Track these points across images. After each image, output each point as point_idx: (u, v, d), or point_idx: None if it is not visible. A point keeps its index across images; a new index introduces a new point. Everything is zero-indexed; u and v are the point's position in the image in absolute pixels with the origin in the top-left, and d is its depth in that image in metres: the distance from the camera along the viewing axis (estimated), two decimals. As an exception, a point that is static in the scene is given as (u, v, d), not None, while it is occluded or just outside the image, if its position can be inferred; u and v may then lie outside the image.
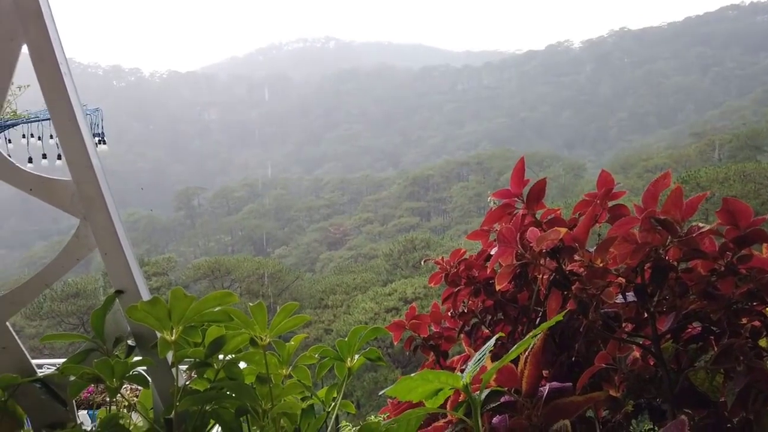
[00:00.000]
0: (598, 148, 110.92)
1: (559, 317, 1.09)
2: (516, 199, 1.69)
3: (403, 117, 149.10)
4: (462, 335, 1.92)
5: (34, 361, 1.50)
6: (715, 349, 1.38)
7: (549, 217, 1.65)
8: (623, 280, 1.46)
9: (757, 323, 1.37)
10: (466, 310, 1.91)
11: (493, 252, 1.60)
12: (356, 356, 1.31)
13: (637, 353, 1.54)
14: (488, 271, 1.69)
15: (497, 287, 1.49)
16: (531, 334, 1.10)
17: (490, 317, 1.85)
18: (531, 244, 1.42)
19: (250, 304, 1.09)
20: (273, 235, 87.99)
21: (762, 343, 1.40)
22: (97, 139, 9.55)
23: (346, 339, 1.28)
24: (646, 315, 1.45)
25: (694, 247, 1.36)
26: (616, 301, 1.45)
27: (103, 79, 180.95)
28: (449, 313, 1.96)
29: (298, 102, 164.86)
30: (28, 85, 8.65)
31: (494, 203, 1.77)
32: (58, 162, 9.12)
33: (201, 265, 44.61)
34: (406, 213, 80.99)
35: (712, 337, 1.44)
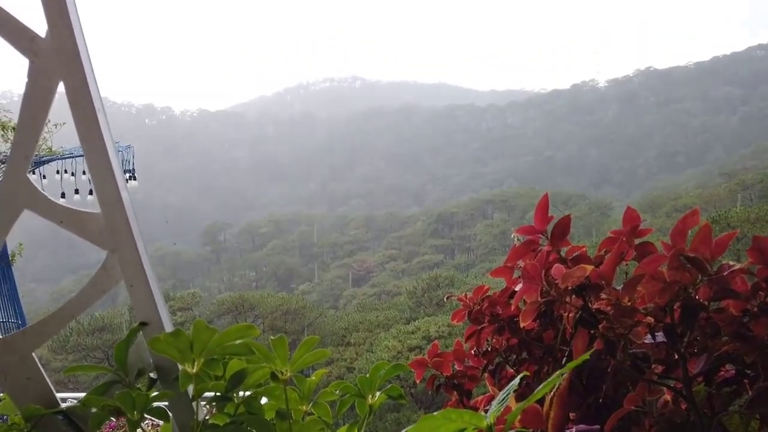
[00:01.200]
0: (625, 187, 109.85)
1: (586, 356, 1.07)
2: (540, 235, 1.67)
3: (427, 155, 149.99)
4: (486, 374, 1.89)
5: (59, 395, 1.51)
6: (750, 392, 1.33)
7: (574, 255, 1.63)
8: (652, 320, 1.42)
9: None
10: (489, 349, 1.87)
11: (517, 289, 1.58)
12: (377, 393, 1.29)
13: (668, 396, 1.50)
14: (512, 308, 1.66)
15: (522, 325, 1.47)
16: (557, 373, 1.08)
17: (514, 356, 1.81)
18: (556, 281, 1.40)
19: (272, 337, 1.09)
20: (297, 271, 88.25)
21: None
22: (128, 175, 9.79)
23: (368, 375, 1.26)
24: (676, 356, 1.41)
25: (725, 287, 1.32)
26: (645, 342, 1.41)
27: (136, 117, 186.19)
28: (473, 352, 1.93)
29: (324, 140, 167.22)
30: (63, 123, 8.95)
31: (518, 240, 1.75)
32: (90, 197, 9.34)
33: (225, 301, 44.81)
34: (430, 250, 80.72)
35: (747, 381, 1.40)
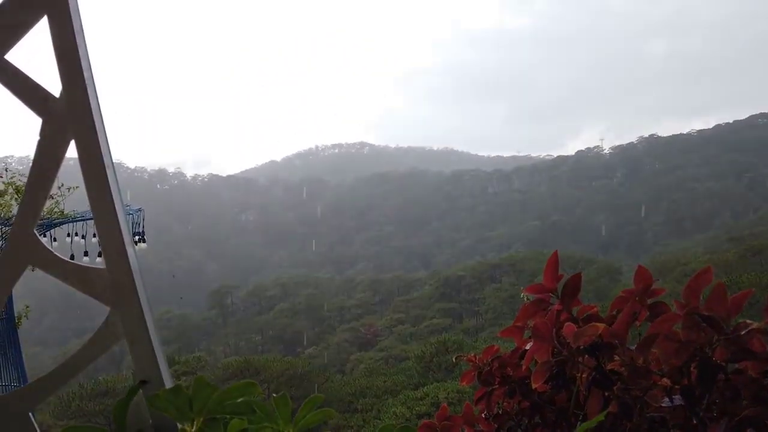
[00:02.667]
0: (633, 251, 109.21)
1: (601, 417, 1.03)
2: (550, 294, 1.64)
3: (434, 219, 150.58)
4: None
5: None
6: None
7: (586, 314, 1.60)
8: (668, 382, 1.37)
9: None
10: (501, 412, 1.81)
11: (527, 348, 1.54)
12: (384, 458, 1.23)
13: (688, 464, 1.43)
14: (523, 369, 1.61)
15: (533, 386, 1.42)
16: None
17: (526, 420, 1.75)
18: (568, 341, 1.37)
19: (275, 395, 1.05)
20: (303, 334, 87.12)
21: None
22: (137, 237, 9.84)
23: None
24: (695, 421, 1.35)
25: (743, 347, 1.28)
26: (662, 405, 1.36)
27: (148, 182, 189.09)
28: (483, 415, 1.87)
29: (332, 204, 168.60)
30: (76, 187, 9.09)
31: (527, 299, 1.72)
32: (99, 259, 9.37)
33: (230, 365, 44.12)
34: (438, 314, 79.72)
35: (770, 447, 1.33)
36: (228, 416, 1.07)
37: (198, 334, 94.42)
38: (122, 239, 1.38)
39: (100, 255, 9.72)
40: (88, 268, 1.42)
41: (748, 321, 1.27)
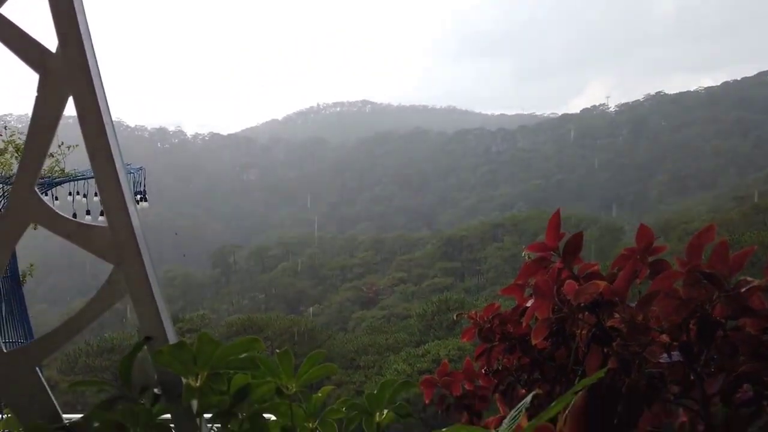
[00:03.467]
0: (636, 211, 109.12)
1: (601, 373, 1.04)
2: (552, 252, 1.64)
3: (437, 178, 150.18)
4: (497, 395, 1.85)
5: (66, 416, 1.48)
6: (770, 414, 1.29)
7: (587, 272, 1.60)
8: (667, 339, 1.39)
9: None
10: (500, 368, 1.84)
11: (528, 305, 1.55)
12: (385, 411, 1.26)
13: (684, 418, 1.45)
14: (524, 326, 1.63)
15: (533, 342, 1.44)
16: (571, 390, 1.05)
17: (526, 376, 1.77)
18: (568, 298, 1.38)
19: (278, 350, 1.06)
20: (306, 293, 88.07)
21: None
22: (139, 196, 9.84)
23: (375, 392, 1.23)
24: (692, 377, 1.37)
25: (743, 304, 1.29)
26: (661, 361, 1.37)
27: (149, 141, 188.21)
28: (483, 371, 1.89)
29: (334, 163, 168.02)
30: (76, 145, 9.04)
31: (529, 257, 1.73)
32: (101, 218, 9.39)
33: (234, 323, 44.75)
34: (440, 273, 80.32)
35: (766, 402, 1.35)
36: (231, 371, 1.08)
37: (202, 292, 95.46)
38: (123, 196, 1.38)
39: (102, 214, 9.76)
40: (90, 225, 1.43)
41: (749, 278, 1.28)
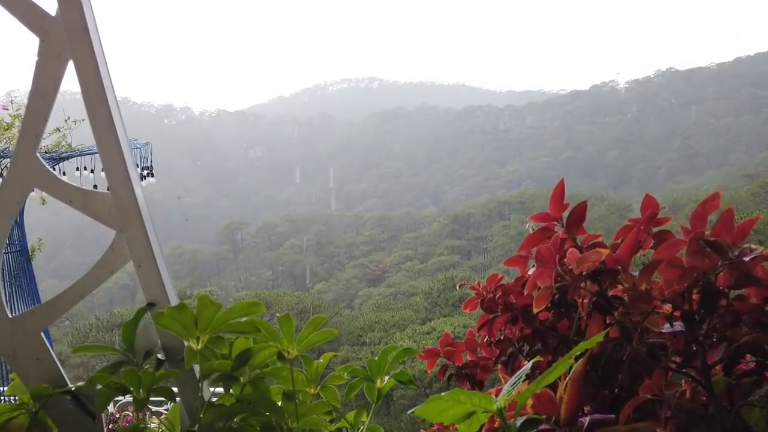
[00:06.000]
0: (645, 188, 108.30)
1: (599, 337, 1.03)
2: (555, 222, 1.63)
3: (444, 156, 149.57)
4: (499, 365, 1.86)
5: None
6: (771, 384, 1.29)
7: (591, 242, 1.59)
8: (669, 308, 1.38)
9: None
10: (503, 338, 1.84)
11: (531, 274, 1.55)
12: (386, 378, 1.26)
13: (685, 387, 1.45)
14: (526, 296, 1.63)
15: (535, 310, 1.43)
16: (569, 354, 1.05)
17: (528, 347, 1.78)
18: (571, 267, 1.37)
19: (278, 315, 1.07)
20: (313, 270, 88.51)
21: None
22: (145, 171, 9.85)
23: (377, 358, 1.23)
24: (694, 347, 1.37)
25: (747, 273, 1.28)
26: (663, 331, 1.37)
27: (155, 117, 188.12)
28: (485, 341, 1.90)
29: (341, 140, 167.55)
30: (83, 120, 9.01)
31: (532, 228, 1.72)
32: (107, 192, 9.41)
33: (241, 299, 45.04)
34: (447, 251, 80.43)
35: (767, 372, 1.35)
36: (233, 336, 1.09)
37: (209, 269, 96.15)
38: (124, 162, 1.38)
39: (108, 189, 9.77)
40: (92, 192, 1.43)
41: (753, 246, 1.26)
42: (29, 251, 9.30)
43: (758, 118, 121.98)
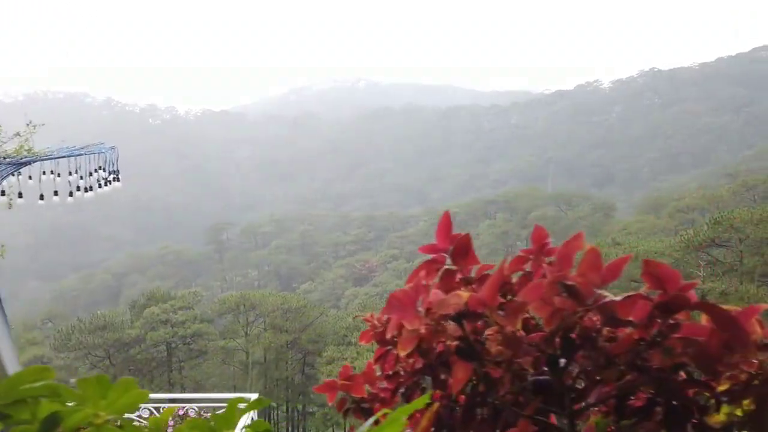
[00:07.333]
0: (628, 187, 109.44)
1: (422, 401, 0.97)
2: (444, 254, 1.58)
3: (430, 155, 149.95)
4: (399, 398, 1.80)
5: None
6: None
7: (482, 273, 1.53)
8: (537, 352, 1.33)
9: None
10: (402, 371, 1.78)
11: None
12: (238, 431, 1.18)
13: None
14: (388, 337, 1.56)
15: (400, 354, 1.37)
16: (401, 409, 0.98)
17: (426, 379, 1.72)
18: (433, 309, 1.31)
19: (75, 379, 0.99)
20: (299, 270, 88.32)
21: (716, 418, 1.25)
22: (112, 176, 9.70)
23: (224, 412, 1.16)
24: (561, 391, 1.31)
25: (611, 315, 1.23)
26: (530, 377, 1.31)
27: (140, 117, 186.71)
28: (385, 374, 1.84)
29: (327, 140, 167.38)
30: (42, 124, 8.86)
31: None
32: (69, 199, 9.26)
33: (227, 300, 44.71)
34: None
35: (647, 414, 1.30)
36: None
37: (194, 269, 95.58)
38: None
39: (71, 195, 9.60)
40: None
41: (606, 294, 1.21)
42: (-9, 258, 9.13)
43: (740, 117, 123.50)
